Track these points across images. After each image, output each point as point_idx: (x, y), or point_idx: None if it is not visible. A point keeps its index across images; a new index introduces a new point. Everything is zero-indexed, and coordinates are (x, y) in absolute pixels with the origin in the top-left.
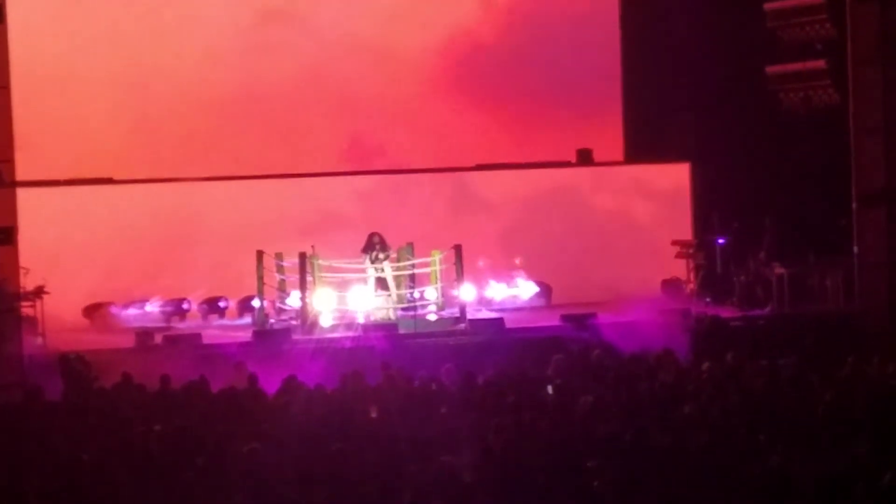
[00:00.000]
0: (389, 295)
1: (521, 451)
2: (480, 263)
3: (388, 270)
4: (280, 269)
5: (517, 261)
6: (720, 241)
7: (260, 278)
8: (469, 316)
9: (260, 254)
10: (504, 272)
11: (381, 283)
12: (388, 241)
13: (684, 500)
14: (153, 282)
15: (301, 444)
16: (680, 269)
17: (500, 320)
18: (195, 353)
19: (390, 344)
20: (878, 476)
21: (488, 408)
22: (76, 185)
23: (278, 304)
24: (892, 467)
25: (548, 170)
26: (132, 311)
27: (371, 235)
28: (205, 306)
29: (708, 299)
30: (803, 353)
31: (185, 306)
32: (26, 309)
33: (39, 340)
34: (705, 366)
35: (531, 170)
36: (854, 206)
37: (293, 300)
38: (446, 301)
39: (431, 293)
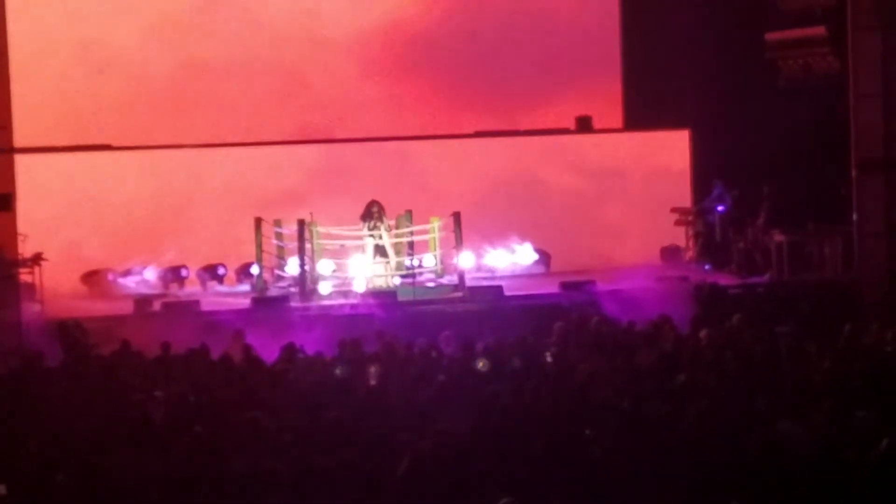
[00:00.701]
0: (388, 262)
1: (519, 419)
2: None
3: (386, 238)
4: (278, 236)
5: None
6: (719, 208)
7: (258, 245)
8: (468, 283)
9: (258, 221)
10: (502, 238)
11: (380, 251)
12: (388, 208)
13: (682, 467)
14: (151, 248)
15: (299, 412)
16: (679, 236)
17: (498, 288)
18: (194, 320)
19: (389, 311)
20: (875, 443)
21: (487, 375)
22: (74, 152)
23: (277, 272)
24: (889, 434)
25: (547, 137)
26: (130, 278)
27: (370, 204)
28: (203, 273)
29: (707, 266)
30: (802, 321)
31: (183, 273)
32: (24, 276)
33: (37, 307)
34: (703, 333)
35: (531, 137)
36: (853, 173)
37: (291, 267)
38: (445, 268)
39: (430, 260)
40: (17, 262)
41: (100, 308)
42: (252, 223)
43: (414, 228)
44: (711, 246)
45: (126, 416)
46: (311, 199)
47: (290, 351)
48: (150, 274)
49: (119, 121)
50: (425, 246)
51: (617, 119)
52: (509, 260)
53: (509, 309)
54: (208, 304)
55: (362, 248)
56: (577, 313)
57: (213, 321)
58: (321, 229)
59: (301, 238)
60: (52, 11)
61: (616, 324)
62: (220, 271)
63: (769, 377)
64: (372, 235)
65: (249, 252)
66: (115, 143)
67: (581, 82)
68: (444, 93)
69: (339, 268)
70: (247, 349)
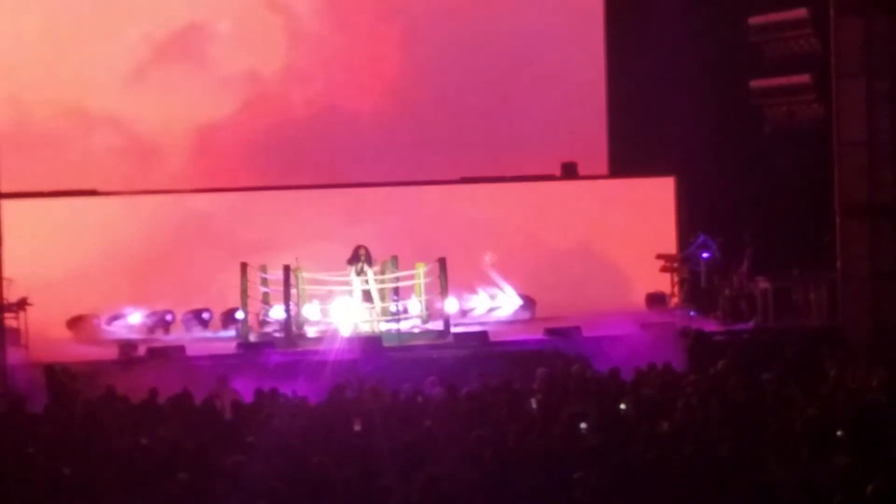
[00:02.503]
0: (374, 307)
1: (505, 464)
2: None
3: (373, 283)
4: (264, 281)
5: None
6: (704, 254)
7: (244, 290)
8: (453, 329)
9: (244, 266)
10: (487, 284)
11: (366, 296)
12: (373, 253)
13: None
14: (136, 293)
15: (284, 457)
16: (664, 282)
17: (483, 333)
18: (179, 365)
19: (374, 356)
20: (860, 489)
21: (472, 421)
22: (60, 197)
23: (262, 317)
24: (874, 480)
25: (532, 183)
26: (115, 323)
27: (357, 248)
28: (188, 318)
29: (692, 313)
30: (787, 367)
31: (168, 318)
32: (9, 320)
33: (23, 352)
34: (689, 379)
35: (516, 183)
36: (837, 219)
37: (277, 312)
38: (430, 314)
39: (415, 306)
40: (3, 307)
41: (85, 353)
42: (238, 268)
43: (399, 274)
44: (697, 292)
45: (111, 461)
46: (297, 245)
47: (274, 396)
48: (136, 319)
49: (104, 167)
50: (411, 291)
51: (602, 165)
52: (494, 306)
53: (494, 355)
54: (193, 349)
55: (349, 294)
56: (561, 359)
57: (198, 366)
58: (307, 274)
59: (286, 283)
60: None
61: (601, 370)
62: (206, 316)
63: (755, 423)
64: (359, 280)
65: (235, 297)
66: (101, 189)
67: (566, 129)
68: (429, 139)
69: (324, 313)
70: (231, 394)
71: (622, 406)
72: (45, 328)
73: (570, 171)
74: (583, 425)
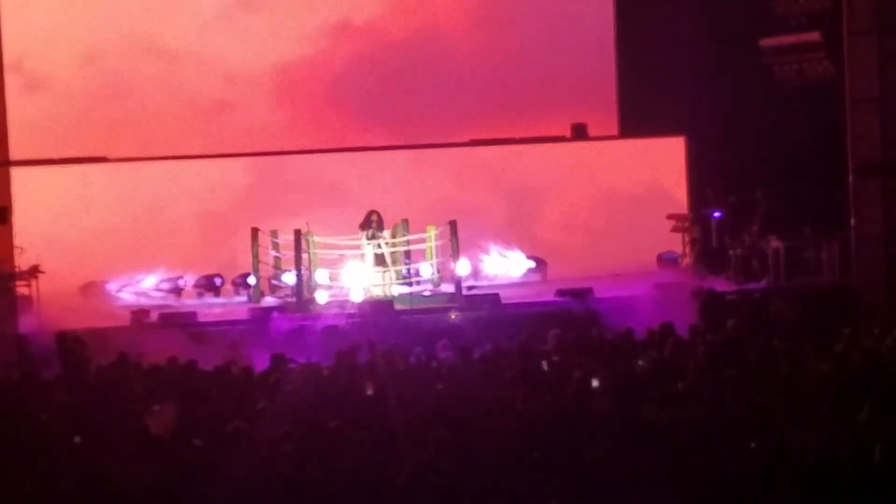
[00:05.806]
0: (387, 271)
1: (517, 426)
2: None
3: (385, 246)
4: (275, 246)
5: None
6: (716, 214)
7: (255, 255)
8: (464, 291)
9: (255, 231)
10: (498, 247)
11: (379, 260)
12: (384, 217)
13: (680, 474)
14: (148, 260)
15: (296, 422)
16: (676, 243)
17: (495, 296)
18: (191, 331)
19: (386, 320)
20: (873, 447)
21: (484, 384)
22: (70, 164)
23: (273, 282)
24: (884, 439)
25: (542, 145)
26: (127, 290)
27: (370, 213)
28: (200, 284)
29: (704, 273)
30: (799, 326)
31: (180, 284)
32: (21, 288)
33: (35, 319)
34: (701, 339)
35: (526, 145)
36: (850, 178)
37: (288, 277)
38: (442, 277)
39: (427, 269)
40: (14, 275)
41: (97, 320)
42: (249, 233)
43: (411, 237)
44: (708, 252)
45: (124, 428)
46: (308, 209)
47: (286, 361)
48: (147, 285)
49: (114, 133)
50: (422, 255)
51: (612, 126)
52: (506, 268)
53: (506, 317)
54: (205, 314)
55: (360, 258)
56: (573, 320)
57: (210, 332)
58: (318, 239)
59: (297, 248)
60: (46, 20)
61: (613, 331)
62: (217, 282)
63: (767, 382)
64: (371, 244)
65: (246, 262)
66: (110, 156)
67: (576, 90)
68: (439, 101)
69: (335, 277)
70: (244, 359)
71: (640, 362)
72: (57, 295)
73: (580, 132)
74: (595, 382)
